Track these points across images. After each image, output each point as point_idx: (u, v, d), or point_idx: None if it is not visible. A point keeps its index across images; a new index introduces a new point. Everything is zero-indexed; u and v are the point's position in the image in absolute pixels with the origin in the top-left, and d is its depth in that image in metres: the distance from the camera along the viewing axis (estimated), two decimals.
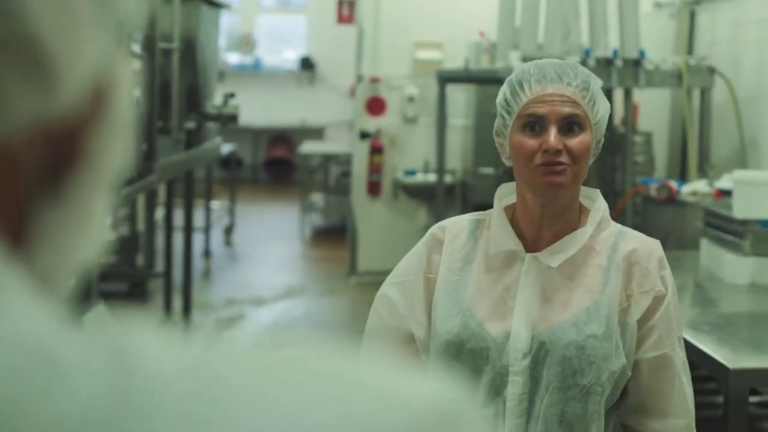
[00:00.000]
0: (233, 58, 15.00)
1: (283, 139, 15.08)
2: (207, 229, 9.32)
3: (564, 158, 2.10)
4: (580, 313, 2.14)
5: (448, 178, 8.13)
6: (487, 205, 2.34)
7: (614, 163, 6.06)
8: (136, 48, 4.76)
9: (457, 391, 0.51)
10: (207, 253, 9.20)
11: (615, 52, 5.98)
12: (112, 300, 6.58)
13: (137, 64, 4.66)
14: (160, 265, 7.71)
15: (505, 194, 2.25)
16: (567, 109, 2.11)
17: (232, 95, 6.20)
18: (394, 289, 2.30)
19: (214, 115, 6.10)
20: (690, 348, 2.81)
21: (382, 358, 0.53)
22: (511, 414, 2.13)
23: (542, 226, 2.19)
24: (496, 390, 2.14)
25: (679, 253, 4.88)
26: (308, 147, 12.05)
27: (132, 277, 7.51)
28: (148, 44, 4.89)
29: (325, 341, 0.53)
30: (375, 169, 8.68)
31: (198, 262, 8.46)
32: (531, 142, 2.12)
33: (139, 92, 4.62)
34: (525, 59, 5.88)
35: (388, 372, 0.52)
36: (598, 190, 2.28)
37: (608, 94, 5.84)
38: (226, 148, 9.84)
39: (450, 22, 8.45)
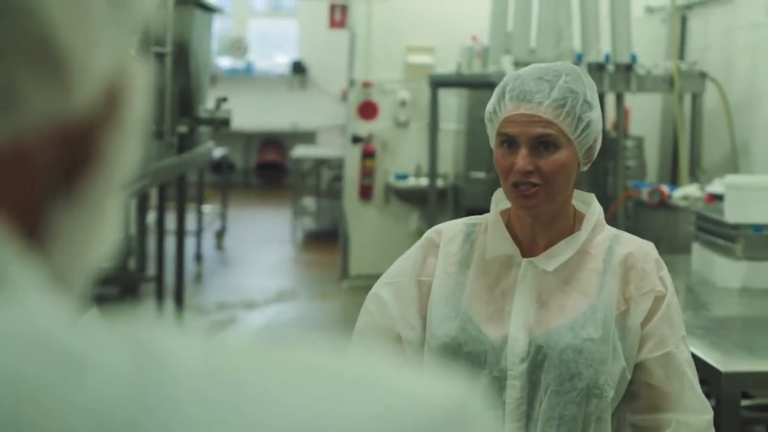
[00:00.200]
0: (225, 62, 14.99)
1: (275, 143, 15.08)
2: (199, 233, 9.32)
3: (535, 178, 2.10)
4: (576, 317, 2.15)
5: (439, 183, 8.14)
6: (478, 210, 2.34)
7: (606, 168, 6.08)
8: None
9: (467, 390, 0.52)
10: (199, 257, 9.20)
11: (607, 57, 6.00)
12: (103, 304, 6.57)
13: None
14: (151, 269, 7.70)
15: (502, 198, 2.26)
16: (538, 130, 2.11)
17: (224, 99, 6.20)
18: (386, 289, 2.30)
19: (207, 119, 6.10)
20: None
21: (372, 356, 0.53)
22: (510, 417, 2.14)
23: (535, 232, 2.20)
24: (494, 394, 2.15)
25: (671, 257, 4.89)
26: (300, 151, 12.05)
27: (123, 281, 7.50)
28: (141, 48, 4.89)
29: (326, 343, 0.53)
30: (367, 173, 8.69)
31: (190, 266, 8.45)
32: (505, 160, 2.13)
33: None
34: (517, 64, 5.90)
35: (402, 372, 0.52)
36: (593, 194, 2.29)
37: (600, 98, 5.85)
38: (218, 152, 9.84)
39: (442, 26, 8.46)
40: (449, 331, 2.19)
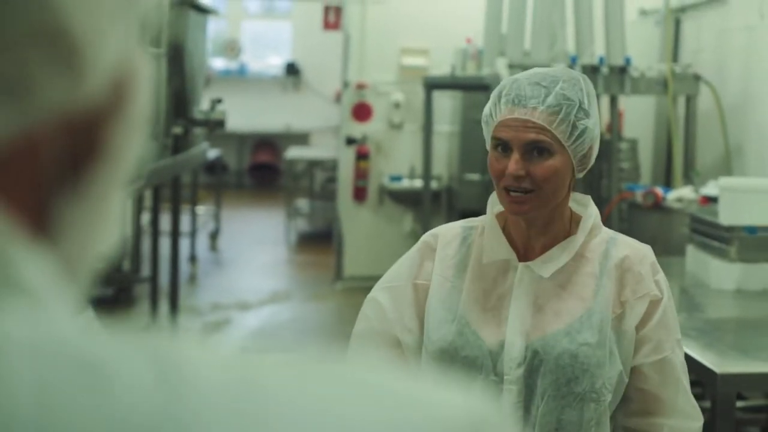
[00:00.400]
0: (218, 64, 14.98)
1: (268, 144, 15.07)
2: (193, 234, 9.31)
3: (527, 183, 2.10)
4: (572, 321, 2.15)
5: (433, 184, 8.15)
6: (472, 212, 2.35)
7: (600, 170, 6.09)
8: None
9: (489, 402, 0.52)
10: (193, 258, 9.19)
11: (601, 60, 6.01)
12: (97, 305, 6.56)
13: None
14: (146, 270, 7.70)
15: (497, 201, 2.25)
16: (531, 135, 2.10)
17: (219, 101, 6.20)
18: (383, 293, 2.31)
19: (202, 121, 6.10)
20: None
21: (370, 361, 0.53)
22: None
23: (531, 236, 2.20)
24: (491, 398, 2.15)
25: (665, 259, 4.89)
26: (293, 152, 12.06)
27: (118, 282, 7.50)
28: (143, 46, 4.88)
29: (339, 352, 0.53)
30: (361, 175, 8.69)
31: (184, 267, 8.45)
32: (498, 163, 2.13)
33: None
34: (511, 66, 5.91)
35: (425, 384, 0.52)
36: (589, 197, 2.29)
37: None
38: (212, 154, 9.84)
39: (436, 28, 8.46)
40: (446, 335, 2.19)
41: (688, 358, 3.21)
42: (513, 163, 2.09)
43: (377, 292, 2.32)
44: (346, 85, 8.76)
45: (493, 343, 2.16)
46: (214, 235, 10.33)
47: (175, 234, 6.54)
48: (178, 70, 5.84)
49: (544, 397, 2.13)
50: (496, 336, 2.17)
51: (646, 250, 2.22)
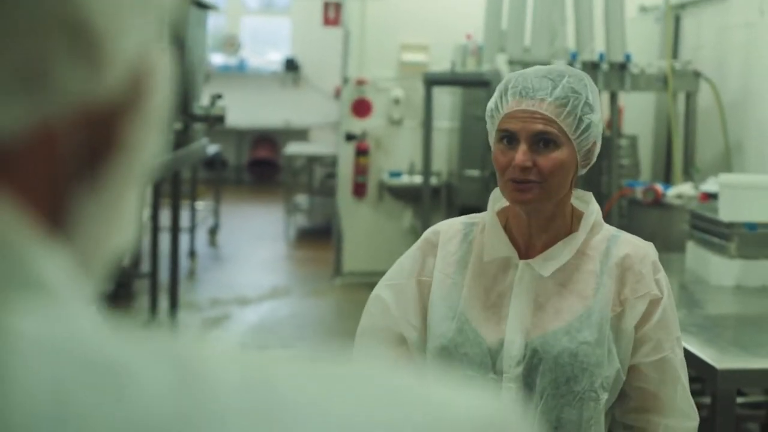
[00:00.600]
0: (218, 59, 14.97)
1: (268, 140, 15.06)
2: (192, 230, 9.31)
3: (533, 175, 2.10)
4: (572, 320, 2.15)
5: (433, 180, 8.15)
6: (472, 208, 2.34)
7: (600, 167, 6.10)
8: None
9: (508, 404, 0.52)
10: (192, 254, 9.19)
11: (601, 56, 6.02)
12: (97, 300, 6.56)
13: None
14: (145, 266, 7.70)
15: (499, 198, 2.25)
16: (539, 127, 2.10)
17: (219, 96, 6.19)
18: (387, 290, 2.30)
19: (202, 116, 6.09)
20: None
21: (380, 361, 0.53)
22: None
23: (532, 233, 2.20)
24: None
25: (665, 255, 4.89)
26: (293, 148, 12.05)
27: (117, 277, 7.49)
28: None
29: (317, 343, 0.53)
30: (360, 171, 8.69)
31: (183, 262, 8.45)
32: (504, 156, 2.13)
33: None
34: (511, 62, 5.91)
35: (442, 385, 0.52)
36: (591, 193, 2.29)
37: None
38: (211, 149, 9.83)
39: (436, 24, 8.46)
40: (447, 333, 2.19)
41: (688, 354, 3.22)
42: (521, 154, 2.09)
43: (381, 290, 2.31)
44: (345, 80, 8.76)
45: (493, 341, 2.16)
46: (213, 231, 10.33)
47: (174, 229, 6.54)
48: (177, 66, 5.84)
49: (543, 396, 2.13)
50: (496, 334, 2.16)
51: (648, 248, 2.22)
